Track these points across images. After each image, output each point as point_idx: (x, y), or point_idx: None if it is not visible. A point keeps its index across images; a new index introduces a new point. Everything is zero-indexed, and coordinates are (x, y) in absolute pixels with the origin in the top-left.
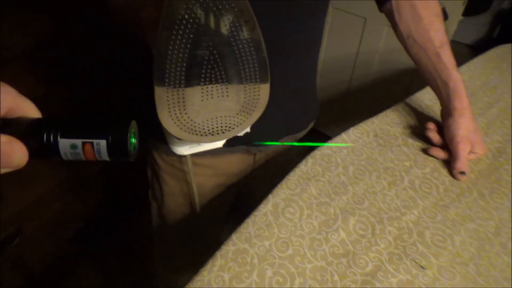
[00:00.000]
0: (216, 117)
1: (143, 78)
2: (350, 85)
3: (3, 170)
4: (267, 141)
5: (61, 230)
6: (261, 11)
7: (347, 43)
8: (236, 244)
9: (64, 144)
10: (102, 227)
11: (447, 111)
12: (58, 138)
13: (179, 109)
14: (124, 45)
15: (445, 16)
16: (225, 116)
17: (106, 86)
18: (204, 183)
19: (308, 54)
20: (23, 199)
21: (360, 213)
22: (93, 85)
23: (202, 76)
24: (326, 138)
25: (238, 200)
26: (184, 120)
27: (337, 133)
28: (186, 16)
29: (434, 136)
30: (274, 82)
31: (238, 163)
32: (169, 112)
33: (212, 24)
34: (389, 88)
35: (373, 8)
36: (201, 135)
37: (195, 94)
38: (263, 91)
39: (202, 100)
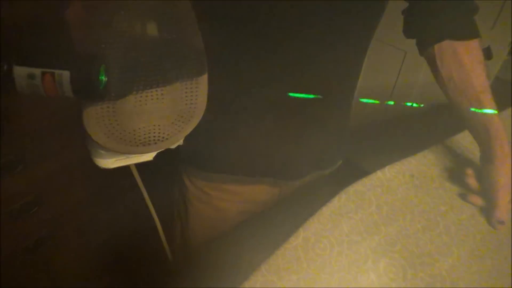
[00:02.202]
0: (149, 126)
1: None
2: (386, 116)
3: None
4: (294, 176)
5: (88, 238)
6: (302, 53)
7: (384, 74)
8: (265, 276)
9: (20, 73)
10: (130, 240)
11: (487, 157)
12: (13, 66)
13: (109, 116)
14: None
15: (489, 55)
16: (159, 125)
17: None
18: (229, 208)
19: (345, 94)
20: (58, 205)
21: (391, 255)
22: None
23: (136, 81)
24: (358, 169)
25: (262, 228)
26: (114, 128)
27: (370, 163)
28: (122, 21)
29: (472, 182)
30: (307, 120)
31: (263, 193)
32: (97, 120)
33: (147, 28)
34: (426, 122)
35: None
36: (132, 145)
37: (128, 101)
38: (200, 98)
39: (135, 107)
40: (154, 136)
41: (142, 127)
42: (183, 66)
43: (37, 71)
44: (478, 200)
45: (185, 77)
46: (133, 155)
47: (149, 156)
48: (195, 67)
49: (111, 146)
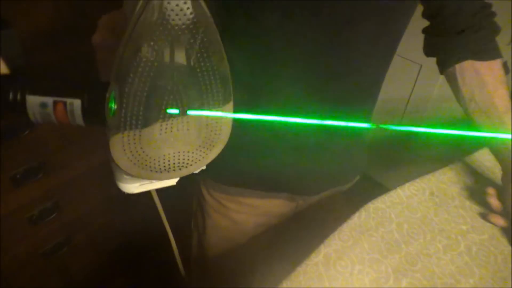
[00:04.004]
0: (174, 153)
1: None
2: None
3: None
4: (311, 192)
5: (104, 242)
6: (326, 70)
7: (400, 87)
8: None
9: (33, 102)
10: (142, 245)
11: (509, 177)
12: (26, 95)
13: (134, 144)
14: None
15: (506, 70)
16: (183, 152)
17: None
18: (246, 221)
19: (366, 110)
20: (76, 210)
21: (412, 275)
22: None
23: (162, 110)
24: (375, 183)
25: (277, 240)
26: (139, 155)
27: (387, 178)
28: (152, 43)
29: (494, 202)
30: (326, 137)
31: (280, 207)
32: (123, 147)
33: (176, 57)
34: (442, 136)
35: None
36: (156, 171)
37: (154, 129)
38: (225, 122)
39: (160, 135)
40: (178, 163)
41: (167, 154)
42: (209, 95)
43: (49, 100)
44: (500, 220)
45: (210, 105)
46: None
47: (172, 181)
48: (221, 95)
49: (136, 172)
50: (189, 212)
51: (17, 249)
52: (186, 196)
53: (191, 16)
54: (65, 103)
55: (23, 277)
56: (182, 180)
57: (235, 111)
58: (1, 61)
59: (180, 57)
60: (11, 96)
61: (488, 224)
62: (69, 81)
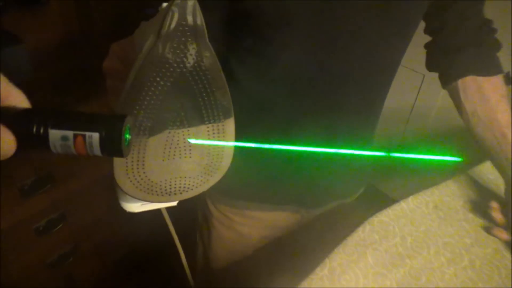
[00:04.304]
0: (176, 178)
1: None
2: (403, 138)
3: None
4: (316, 204)
5: (110, 252)
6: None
7: (403, 97)
8: None
9: (55, 135)
10: (147, 255)
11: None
12: (49, 129)
13: (138, 169)
14: None
15: (509, 81)
16: (185, 177)
17: None
18: (251, 233)
19: (371, 123)
20: (82, 220)
21: None
22: None
23: (167, 138)
24: (378, 192)
25: (281, 253)
26: (142, 179)
27: (389, 187)
28: (155, 84)
29: (497, 216)
30: (331, 143)
31: (285, 219)
32: (127, 171)
33: (181, 91)
34: (445, 146)
35: None
36: (157, 195)
37: (157, 154)
38: (226, 154)
39: (163, 161)
40: (180, 187)
41: (169, 179)
42: (212, 125)
43: (70, 134)
44: (503, 234)
45: (214, 135)
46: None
47: (173, 203)
48: (222, 128)
49: (138, 195)
50: (194, 223)
51: (24, 259)
52: (191, 208)
53: (196, 54)
54: (84, 136)
55: (28, 287)
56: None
57: (241, 125)
58: (24, 97)
59: (185, 92)
60: (34, 129)
61: (492, 238)
62: (88, 116)
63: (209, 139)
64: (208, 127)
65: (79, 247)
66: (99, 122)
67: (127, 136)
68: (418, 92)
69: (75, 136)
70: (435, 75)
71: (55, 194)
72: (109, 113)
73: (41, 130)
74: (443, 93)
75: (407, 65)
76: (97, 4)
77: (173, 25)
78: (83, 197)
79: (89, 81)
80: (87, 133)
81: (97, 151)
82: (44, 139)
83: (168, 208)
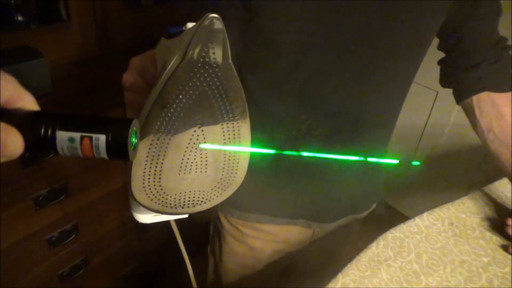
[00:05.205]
0: (190, 191)
1: None
2: (416, 154)
3: None
4: (328, 219)
5: (120, 266)
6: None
7: (416, 114)
8: None
9: (62, 137)
10: (157, 269)
11: None
12: (57, 130)
13: (154, 182)
14: None
15: None
16: (199, 191)
17: None
18: (263, 247)
19: (384, 137)
20: (93, 233)
21: None
22: None
23: (185, 153)
24: (392, 210)
25: (292, 268)
26: (157, 192)
27: (401, 203)
28: (177, 101)
29: None
30: (344, 165)
31: (297, 234)
32: (143, 184)
33: (202, 107)
34: (458, 162)
35: None
36: (171, 207)
37: (173, 168)
38: (241, 168)
39: (179, 174)
40: (193, 201)
41: (183, 192)
42: (227, 121)
43: (77, 135)
44: None
45: (228, 137)
46: None
47: (185, 215)
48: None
49: (153, 207)
50: (206, 237)
51: (36, 270)
52: (203, 222)
53: (219, 74)
54: (91, 138)
55: None
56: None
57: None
58: (34, 100)
59: (205, 107)
60: (42, 131)
61: (509, 256)
62: (95, 118)
63: (224, 142)
64: (223, 127)
65: (90, 259)
66: (106, 124)
67: (134, 139)
68: (432, 109)
69: (82, 138)
70: (448, 92)
71: (68, 206)
72: (117, 117)
73: (49, 132)
74: (457, 110)
75: (420, 82)
76: (115, 22)
77: (197, 51)
78: (95, 210)
79: (107, 98)
80: (94, 135)
81: (103, 153)
82: (51, 141)
83: (180, 223)
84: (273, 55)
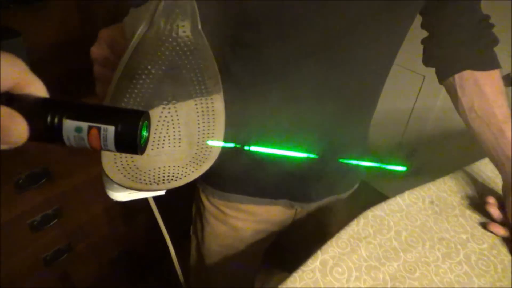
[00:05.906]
0: (164, 167)
1: None
2: (403, 139)
3: (1, 146)
4: (310, 199)
5: (106, 251)
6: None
7: (403, 98)
8: None
9: (69, 126)
10: (143, 254)
11: (510, 187)
12: (64, 119)
13: (126, 158)
14: None
15: (509, 82)
16: (174, 166)
17: None
18: (244, 228)
19: (366, 117)
20: (77, 218)
21: (410, 282)
22: None
23: (157, 126)
24: (375, 192)
25: (275, 248)
26: (130, 168)
27: (387, 188)
28: (146, 72)
29: (494, 211)
30: (325, 144)
31: (279, 214)
32: (115, 160)
33: (173, 78)
34: (444, 147)
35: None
36: (146, 183)
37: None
38: (215, 141)
39: (152, 150)
40: (168, 176)
41: (157, 168)
42: (200, 96)
43: (85, 125)
44: (500, 230)
45: (201, 113)
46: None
47: (161, 191)
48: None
49: (126, 183)
50: (189, 219)
51: (19, 255)
52: (185, 203)
53: (189, 43)
54: (99, 129)
55: (24, 285)
56: (180, 187)
57: (235, 116)
58: (43, 87)
59: (176, 78)
60: (49, 119)
61: (488, 233)
62: (106, 108)
63: (197, 117)
64: (195, 101)
65: (75, 244)
66: (116, 115)
67: (144, 133)
68: (418, 94)
69: (89, 128)
70: (435, 76)
71: (50, 190)
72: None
73: (56, 120)
74: (444, 94)
75: (407, 66)
76: (98, 1)
77: (163, 19)
78: (79, 194)
79: (89, 80)
80: (103, 126)
81: (111, 146)
82: (57, 130)
83: (166, 207)
84: (254, 32)
